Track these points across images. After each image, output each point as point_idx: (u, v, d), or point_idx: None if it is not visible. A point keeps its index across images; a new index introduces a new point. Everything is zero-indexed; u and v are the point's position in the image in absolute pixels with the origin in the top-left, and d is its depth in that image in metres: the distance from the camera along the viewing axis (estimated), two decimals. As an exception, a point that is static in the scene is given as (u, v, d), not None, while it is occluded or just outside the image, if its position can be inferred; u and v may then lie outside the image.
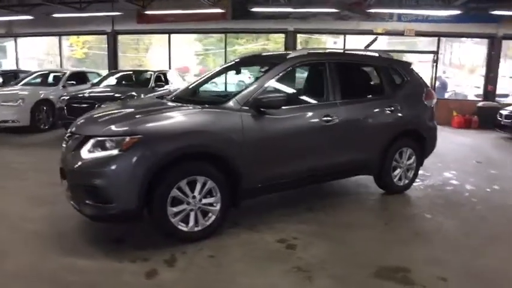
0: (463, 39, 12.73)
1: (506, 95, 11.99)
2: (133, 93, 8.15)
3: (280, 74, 3.68)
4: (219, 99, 3.64)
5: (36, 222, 3.59)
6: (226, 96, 3.69)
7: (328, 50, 4.57)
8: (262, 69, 4.62)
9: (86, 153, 2.99)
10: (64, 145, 3.46)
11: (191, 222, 3.16)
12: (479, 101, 11.34)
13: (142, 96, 8.01)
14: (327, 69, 4.02)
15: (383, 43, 12.11)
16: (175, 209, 3.06)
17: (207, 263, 2.91)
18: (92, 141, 2.98)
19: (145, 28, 12.09)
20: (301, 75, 4.80)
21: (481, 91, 11.77)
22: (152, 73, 9.45)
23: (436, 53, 11.53)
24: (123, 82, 9.86)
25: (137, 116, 3.16)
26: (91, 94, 8.08)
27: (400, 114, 4.47)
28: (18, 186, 4.69)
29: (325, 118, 3.83)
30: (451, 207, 4.35)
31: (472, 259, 3.11)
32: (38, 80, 10.24)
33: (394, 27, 11.27)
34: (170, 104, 3.66)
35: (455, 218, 4.01)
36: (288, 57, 3.86)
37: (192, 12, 11.20)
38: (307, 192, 4.52)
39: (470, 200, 4.61)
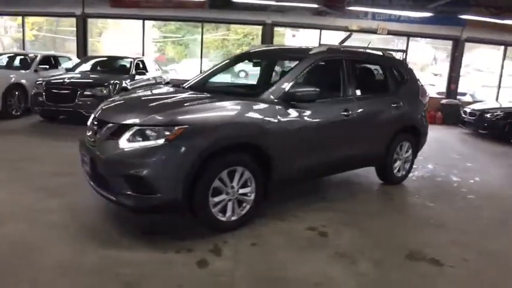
0: (418, 38, 13.40)
1: (464, 94, 12.97)
2: (117, 81, 7.87)
3: (306, 69, 3.79)
4: (249, 91, 3.68)
5: (55, 214, 3.43)
6: (253, 88, 3.74)
7: (342, 48, 4.68)
8: (278, 63, 4.71)
9: (125, 142, 2.91)
10: (89, 133, 3.35)
11: (229, 212, 3.20)
12: (443, 98, 12.17)
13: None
14: (344, 66, 4.19)
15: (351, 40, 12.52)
16: (216, 199, 3.09)
17: (253, 252, 2.98)
18: (132, 130, 2.91)
19: (118, 12, 11.58)
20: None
21: (436, 89, 12.70)
22: (132, 60, 9.15)
23: (405, 51, 12.15)
24: (99, 68, 9.46)
25: (182, 106, 3.12)
26: (72, 80, 7.69)
27: (402, 111, 4.77)
28: (16, 176, 4.42)
29: (344, 112, 4.01)
30: (446, 196, 4.73)
31: (485, 241, 3.45)
32: (2, 63, 9.53)
33: (368, 25, 11.74)
34: (200, 95, 3.65)
35: (454, 206, 4.38)
36: (311, 53, 3.97)
37: (170, -2, 10.94)
38: (312, 182, 4.69)
39: (460, 190, 5.03)
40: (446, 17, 10.86)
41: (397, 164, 4.94)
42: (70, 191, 3.99)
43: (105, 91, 7.47)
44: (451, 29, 11.51)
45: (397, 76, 4.95)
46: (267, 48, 5.06)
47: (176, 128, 2.85)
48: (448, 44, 12.27)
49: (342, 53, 4.40)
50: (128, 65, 9.04)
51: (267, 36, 11.96)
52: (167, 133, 2.84)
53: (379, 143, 4.56)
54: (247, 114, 3.23)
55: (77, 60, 10.12)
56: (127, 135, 2.92)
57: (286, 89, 3.51)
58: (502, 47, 12.19)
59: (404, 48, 12.18)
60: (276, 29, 12.89)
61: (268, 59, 4.88)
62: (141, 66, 9.47)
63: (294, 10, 11.56)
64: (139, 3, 11.40)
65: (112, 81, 7.72)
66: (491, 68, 13.32)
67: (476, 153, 7.73)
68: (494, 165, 6.66)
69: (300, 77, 3.71)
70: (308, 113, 3.65)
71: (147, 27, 12.46)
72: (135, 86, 8.59)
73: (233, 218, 3.24)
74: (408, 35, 12.01)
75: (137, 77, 8.84)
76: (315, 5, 10.58)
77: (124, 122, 3.01)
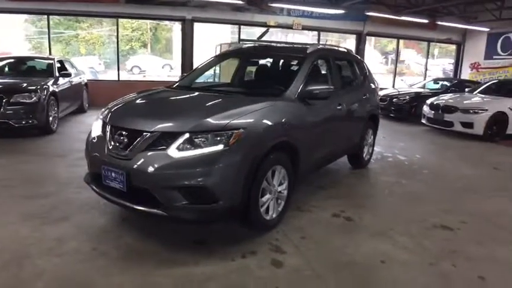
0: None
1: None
2: (43, 82, 6.94)
3: (310, 68, 4.01)
4: (269, 91, 3.75)
5: (72, 241, 3.03)
6: (271, 87, 3.84)
7: (327, 46, 4.99)
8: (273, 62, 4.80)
9: (175, 151, 2.76)
10: (112, 144, 3.02)
11: (271, 211, 3.29)
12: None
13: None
14: (331, 63, 4.53)
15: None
16: (263, 200, 3.15)
17: (309, 244, 3.13)
18: (183, 138, 2.78)
19: (18, 7, 10.05)
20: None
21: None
22: (53, 60, 8.14)
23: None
24: (8, 71, 8.15)
25: (229, 109, 3.06)
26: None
27: (369, 101, 5.36)
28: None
29: (338, 106, 4.37)
30: (410, 174, 5.48)
31: (464, 205, 4.20)
32: None
33: (284, 20, 12.39)
34: (224, 96, 3.62)
35: (422, 181, 5.12)
36: (308, 52, 4.20)
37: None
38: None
39: (413, 167, 5.87)
40: (350, 13, 12.08)
41: (365, 149, 5.54)
42: (66, 214, 3.55)
43: (34, 97, 6.55)
44: (355, 24, 12.89)
45: (362, 70, 5.50)
46: (262, 46, 5.11)
47: (235, 132, 2.82)
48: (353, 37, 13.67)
49: (328, 51, 4.71)
50: (49, 67, 8.01)
51: (188, 32, 11.73)
52: (226, 138, 2.79)
53: (357, 131, 5.08)
54: (285, 114, 3.33)
55: None
56: (177, 143, 2.77)
57: (304, 88, 3.69)
58: (395, 40, 14.14)
59: (317, 42, 13.22)
60: (164, 23, 12.55)
61: (265, 58, 4.92)
62: (65, 66, 8.51)
63: (214, 6, 11.56)
64: (42, -5, 10.07)
65: (40, 86, 6.79)
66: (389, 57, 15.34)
67: (397, 134, 8.93)
68: (421, 144, 7.85)
69: (308, 76, 3.92)
70: (316, 108, 3.89)
71: (18, 23, 10.84)
72: (62, 89, 7.72)
73: (274, 216, 3.33)
74: (319, 30, 13.04)
75: (61, 79, 7.91)
76: (239, 1, 10.74)
77: (169, 130, 2.84)
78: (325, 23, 12.67)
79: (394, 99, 10.82)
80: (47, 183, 4.40)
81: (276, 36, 14.56)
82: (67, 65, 8.88)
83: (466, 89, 10.15)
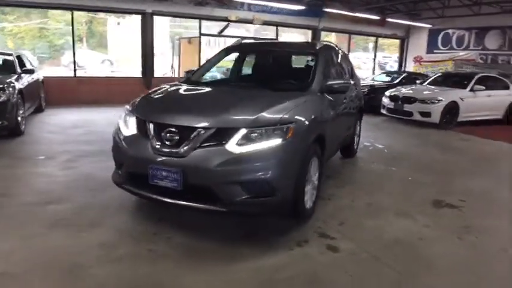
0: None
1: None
2: (8, 80, 6.38)
3: (324, 63, 4.21)
4: (294, 86, 3.90)
5: (121, 248, 2.98)
6: (294, 82, 3.99)
7: (323, 42, 5.20)
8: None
9: (235, 147, 2.81)
10: (158, 143, 2.97)
11: (309, 201, 3.46)
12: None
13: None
14: (334, 57, 4.78)
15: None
16: (306, 190, 3.31)
17: (350, 228, 3.38)
18: (242, 133, 2.84)
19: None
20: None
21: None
22: (12, 55, 7.47)
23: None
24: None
25: (277, 103, 3.15)
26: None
27: (359, 93, 5.74)
28: (2, 219, 3.44)
29: (345, 99, 4.65)
30: (394, 161, 5.95)
31: (452, 185, 4.73)
32: None
33: (244, 15, 12.48)
34: (254, 90, 3.70)
35: (409, 168, 5.60)
36: (318, 48, 4.39)
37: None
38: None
39: (395, 154, 6.39)
40: (307, 10, 12.51)
41: (355, 139, 5.91)
42: (95, 219, 3.40)
43: (3, 96, 6.00)
44: (311, 20, 13.37)
45: (350, 64, 5.83)
46: (274, 43, 5.15)
47: (290, 126, 2.94)
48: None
49: (331, 47, 4.94)
50: (7, 62, 7.34)
51: (148, 26, 11.33)
52: (283, 132, 2.90)
53: (353, 122, 5.42)
54: (316, 107, 3.52)
55: None
56: (235, 139, 2.83)
57: (323, 82, 3.89)
58: (347, 35, 14.92)
59: (275, 37, 13.51)
60: (99, 16, 12.06)
61: (276, 53, 4.94)
62: (23, 62, 7.86)
63: (174, 0, 11.31)
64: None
65: (7, 84, 6.23)
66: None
67: (362, 124, 9.50)
68: (387, 133, 8.49)
69: (324, 71, 4.12)
70: (332, 101, 4.11)
71: None
72: (26, 87, 7.13)
73: (311, 205, 3.51)
74: (278, 25, 13.34)
75: (23, 76, 7.30)
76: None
77: (227, 126, 2.88)
78: (284, 18, 12.99)
79: (353, 92, 11.47)
80: (50, 188, 4.13)
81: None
82: (25, 60, 8.19)
83: (417, 81, 11.08)
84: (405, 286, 2.58)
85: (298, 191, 3.12)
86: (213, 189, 2.83)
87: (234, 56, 5.12)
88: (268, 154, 2.83)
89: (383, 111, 10.08)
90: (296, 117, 3.07)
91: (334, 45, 5.33)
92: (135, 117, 3.27)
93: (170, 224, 3.33)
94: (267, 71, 4.63)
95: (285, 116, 3.00)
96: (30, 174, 4.58)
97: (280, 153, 2.87)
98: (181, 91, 3.78)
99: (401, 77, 12.34)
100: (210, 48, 14.12)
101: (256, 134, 2.87)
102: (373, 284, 2.59)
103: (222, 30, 12.92)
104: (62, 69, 18.28)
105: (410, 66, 15.58)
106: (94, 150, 5.63)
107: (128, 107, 3.51)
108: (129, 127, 3.28)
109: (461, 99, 9.09)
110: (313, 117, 3.31)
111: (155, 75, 11.73)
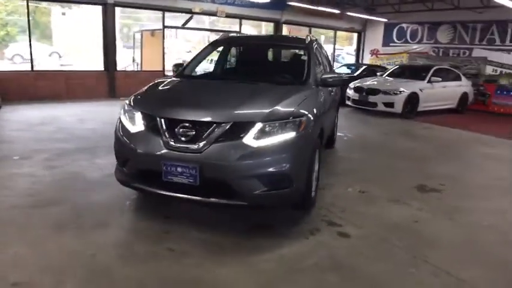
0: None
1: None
2: None
3: (315, 57, 4.35)
4: (292, 80, 3.99)
5: (145, 244, 2.95)
6: (291, 76, 4.08)
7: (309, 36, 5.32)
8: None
9: (252, 140, 2.85)
10: (172, 139, 2.93)
11: (314, 190, 3.60)
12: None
13: None
14: (319, 50, 4.94)
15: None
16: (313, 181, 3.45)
17: (352, 215, 3.57)
18: (258, 127, 2.89)
19: None
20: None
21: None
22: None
23: (238, 33, 13.49)
24: None
25: (286, 97, 3.22)
26: None
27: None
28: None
29: (332, 92, 4.84)
30: (370, 150, 6.31)
31: (430, 170, 5.12)
32: None
33: (208, 7, 12.33)
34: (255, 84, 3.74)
35: (387, 156, 5.95)
36: (307, 42, 4.52)
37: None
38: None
39: (369, 144, 6.75)
40: (272, 3, 12.65)
41: (335, 130, 6.17)
42: (100, 219, 3.30)
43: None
44: (273, 13, 13.52)
45: (328, 57, 6.04)
46: (265, 37, 5.15)
47: (302, 119, 3.04)
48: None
49: (316, 40, 5.07)
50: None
51: (109, 18, 10.86)
52: (296, 125, 2.99)
53: (335, 114, 5.64)
54: (317, 100, 3.64)
55: None
56: (252, 133, 2.87)
57: (319, 76, 4.03)
58: (308, 28, 15.22)
59: (239, 30, 13.50)
60: (44, 5, 11.40)
61: (266, 46, 4.98)
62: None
63: (136, -10, 10.93)
64: None
65: None
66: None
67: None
68: (355, 123, 8.90)
69: (316, 64, 4.25)
70: (324, 94, 4.26)
71: None
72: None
73: (314, 194, 3.66)
74: (241, 18, 13.34)
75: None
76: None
77: (243, 120, 2.92)
78: (247, 11, 13.03)
79: (318, 84, 11.81)
80: (38, 189, 3.92)
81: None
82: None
83: (378, 73, 11.63)
84: (420, 261, 2.81)
85: (309, 181, 3.25)
86: (230, 184, 2.86)
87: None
88: (284, 147, 2.92)
89: (348, 102, 10.49)
90: (305, 110, 3.17)
91: (316, 39, 5.50)
92: (140, 113, 3.20)
93: (178, 222, 3.31)
94: (262, 66, 4.66)
95: (296, 109, 3.10)
96: (10, 176, 4.30)
97: (295, 146, 2.97)
98: (184, 85, 3.75)
99: (362, 69, 12.88)
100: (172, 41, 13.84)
101: (271, 128, 2.93)
102: (391, 262, 2.80)
103: (185, 23, 12.69)
104: (6, 63, 17.01)
105: (367, 59, 16.29)
106: (72, 148, 5.40)
107: (128, 102, 3.43)
108: (135, 123, 3.20)
109: (421, 90, 9.71)
110: (316, 110, 3.44)
111: (118, 68, 11.32)
